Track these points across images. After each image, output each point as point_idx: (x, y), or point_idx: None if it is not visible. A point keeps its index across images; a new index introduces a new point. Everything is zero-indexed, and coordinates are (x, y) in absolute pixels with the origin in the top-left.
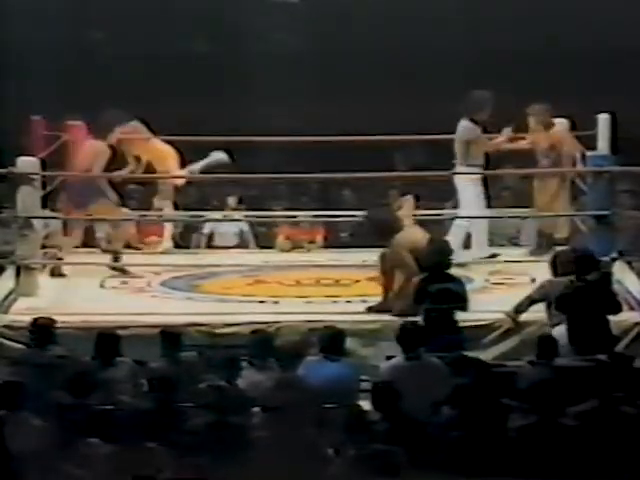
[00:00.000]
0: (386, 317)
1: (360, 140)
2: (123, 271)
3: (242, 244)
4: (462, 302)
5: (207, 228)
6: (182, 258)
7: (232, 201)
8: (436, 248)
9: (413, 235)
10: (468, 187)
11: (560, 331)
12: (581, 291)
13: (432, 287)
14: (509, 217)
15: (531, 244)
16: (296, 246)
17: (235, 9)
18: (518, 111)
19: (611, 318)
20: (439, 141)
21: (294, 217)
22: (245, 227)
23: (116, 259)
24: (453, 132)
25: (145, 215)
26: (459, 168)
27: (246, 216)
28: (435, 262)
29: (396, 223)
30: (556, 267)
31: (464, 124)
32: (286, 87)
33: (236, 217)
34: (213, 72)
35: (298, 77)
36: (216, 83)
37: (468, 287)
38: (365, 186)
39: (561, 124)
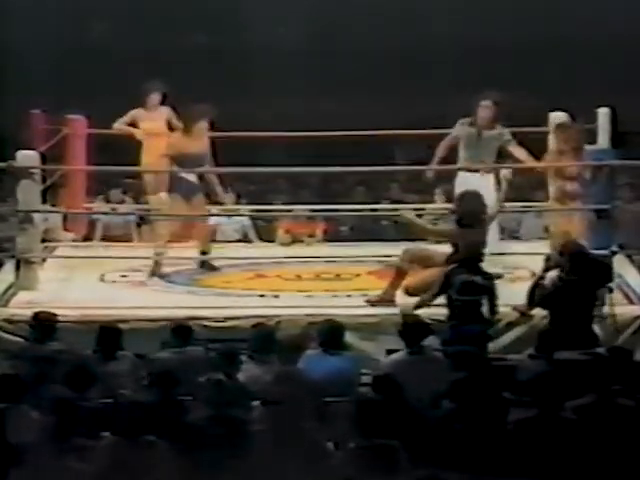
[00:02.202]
0: (386, 310)
1: (361, 135)
2: (212, 267)
3: (244, 239)
4: (491, 296)
5: (211, 221)
6: (183, 252)
7: (229, 199)
8: (473, 239)
9: None
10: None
11: None
12: (562, 288)
13: (462, 278)
14: (511, 212)
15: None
16: (296, 240)
17: (235, 3)
18: (517, 107)
19: (610, 312)
20: (440, 136)
21: (292, 211)
22: (247, 222)
23: (204, 253)
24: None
25: (149, 210)
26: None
27: (250, 210)
28: (471, 252)
29: (485, 210)
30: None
31: (459, 124)
32: (287, 83)
33: (237, 212)
34: (213, 67)
35: (299, 73)
36: (217, 78)
37: None
38: (366, 181)
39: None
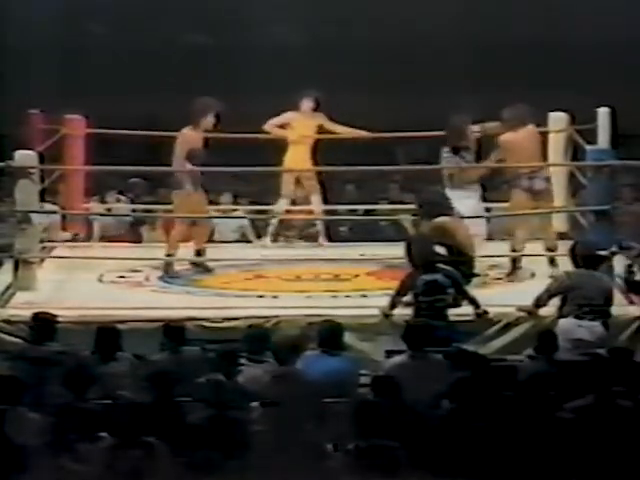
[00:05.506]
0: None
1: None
2: (206, 267)
3: (242, 239)
4: (450, 295)
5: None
6: (182, 252)
7: (225, 199)
8: (427, 242)
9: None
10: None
11: (568, 323)
12: None
13: (421, 280)
14: (509, 215)
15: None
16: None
17: (235, 1)
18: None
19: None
20: (440, 137)
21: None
22: (245, 222)
23: (199, 254)
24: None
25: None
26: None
27: (248, 211)
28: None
29: (449, 206)
30: (576, 259)
31: (443, 155)
32: (288, 81)
33: (235, 213)
34: (213, 66)
35: (299, 71)
36: (213, 78)
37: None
38: (366, 181)
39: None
